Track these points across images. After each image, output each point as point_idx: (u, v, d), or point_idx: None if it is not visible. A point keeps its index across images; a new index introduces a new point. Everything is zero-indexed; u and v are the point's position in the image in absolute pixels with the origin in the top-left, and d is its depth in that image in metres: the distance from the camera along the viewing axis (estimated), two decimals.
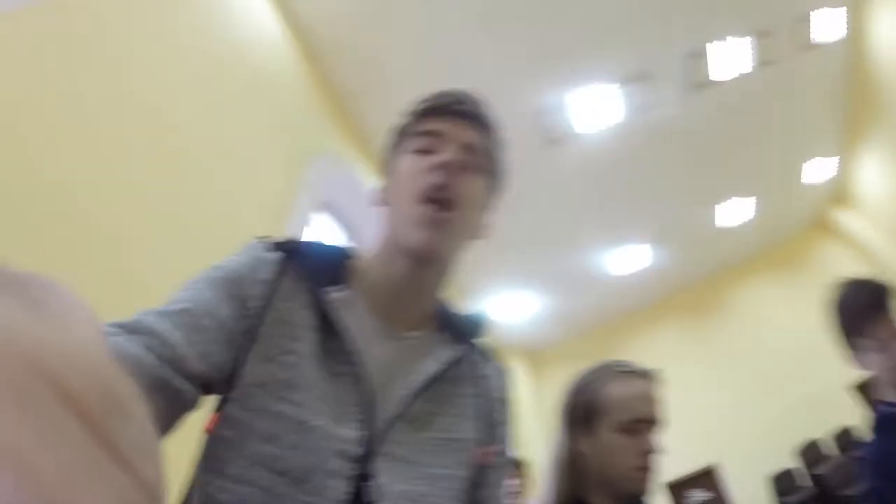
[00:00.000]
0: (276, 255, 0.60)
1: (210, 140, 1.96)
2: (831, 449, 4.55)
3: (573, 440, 0.95)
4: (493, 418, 0.65)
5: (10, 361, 0.12)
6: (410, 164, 0.63)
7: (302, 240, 0.65)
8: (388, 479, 0.52)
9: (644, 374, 0.96)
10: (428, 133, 0.64)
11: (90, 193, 1.34)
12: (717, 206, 5.22)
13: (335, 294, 0.58)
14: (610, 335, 6.06)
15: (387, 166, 0.69)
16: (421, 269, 0.62)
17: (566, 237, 4.83)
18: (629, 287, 5.73)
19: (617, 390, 0.93)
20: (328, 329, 0.56)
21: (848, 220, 5.59)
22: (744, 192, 5.18)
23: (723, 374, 5.52)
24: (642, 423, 0.91)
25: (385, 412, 0.55)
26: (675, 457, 4.84)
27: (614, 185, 4.48)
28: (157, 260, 1.48)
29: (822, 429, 4.47)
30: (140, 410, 0.15)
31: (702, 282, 6.02)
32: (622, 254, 5.29)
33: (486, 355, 0.69)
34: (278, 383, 0.52)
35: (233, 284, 0.55)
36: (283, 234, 2.08)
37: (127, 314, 0.49)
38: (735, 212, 5.35)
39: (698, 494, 4.86)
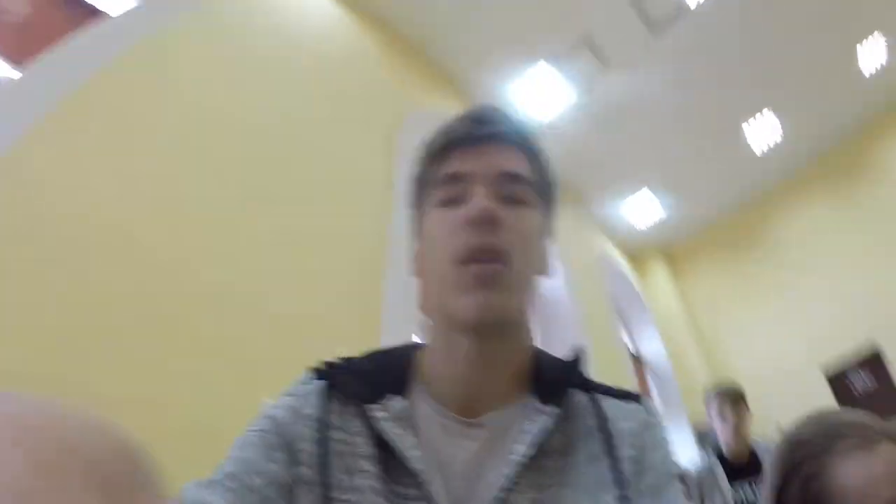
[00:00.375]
0: (319, 385, 0.52)
1: (304, 132, 2.29)
2: None
3: None
4: (638, 473, 0.49)
5: (36, 434, 0.13)
6: (439, 222, 0.52)
7: (353, 356, 0.56)
8: None
9: (888, 436, 0.67)
10: (452, 178, 0.53)
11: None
12: (858, 47, 4.46)
13: (393, 405, 0.49)
14: (749, 218, 5.61)
15: (413, 227, 0.58)
16: (485, 342, 0.50)
17: (688, 122, 4.57)
18: (764, 162, 5.22)
19: (857, 475, 0.65)
20: (388, 451, 0.47)
21: None
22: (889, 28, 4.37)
23: (882, 240, 4.85)
24: None
25: None
26: (833, 340, 4.54)
27: (732, 57, 4.14)
28: (278, 250, 1.87)
29: None
30: (156, 479, 0.17)
31: (847, 141, 5.24)
32: (752, 128, 4.83)
33: (611, 397, 0.55)
34: None
35: (277, 434, 0.48)
36: (390, 206, 2.38)
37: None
38: (879, 48, 4.51)
39: (862, 381, 4.47)
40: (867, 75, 4.70)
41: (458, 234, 0.49)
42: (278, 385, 0.56)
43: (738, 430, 2.01)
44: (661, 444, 0.51)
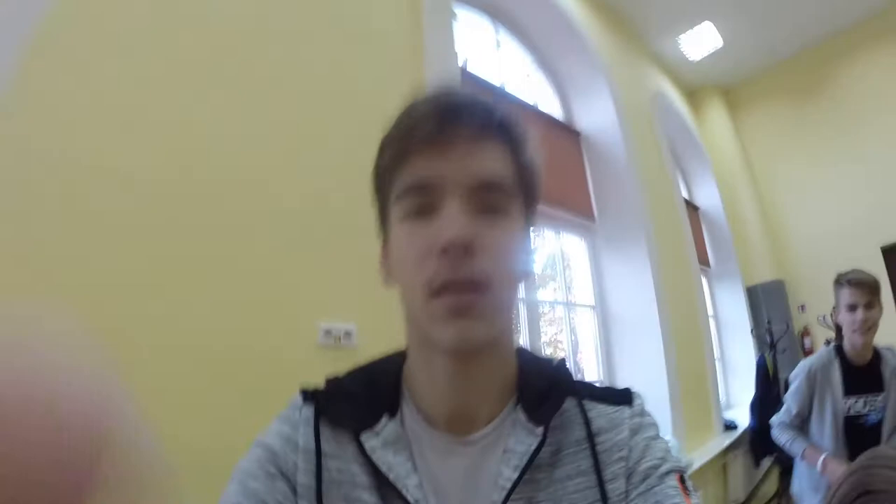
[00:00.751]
0: (309, 413, 0.50)
1: None
2: None
3: None
4: (628, 478, 0.48)
5: None
6: (407, 241, 0.46)
7: (341, 376, 0.54)
8: None
9: None
10: (418, 187, 0.45)
11: None
12: None
13: (386, 430, 0.49)
14: (816, 61, 4.75)
15: (378, 225, 0.52)
16: (463, 364, 0.48)
17: None
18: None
19: None
20: (384, 478, 0.47)
21: None
22: None
23: None
24: None
25: None
26: (894, 210, 4.06)
27: None
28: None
29: None
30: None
31: None
32: None
33: (599, 402, 0.53)
34: None
35: (274, 464, 0.48)
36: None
37: None
38: None
39: None
40: None
41: (428, 262, 0.44)
42: None
43: (865, 328, 1.76)
44: (651, 446, 0.50)
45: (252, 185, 1.32)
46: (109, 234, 1.05)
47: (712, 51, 4.67)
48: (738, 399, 4.21)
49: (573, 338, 2.84)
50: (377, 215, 0.52)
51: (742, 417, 3.70)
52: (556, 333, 2.82)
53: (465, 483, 0.48)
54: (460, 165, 0.45)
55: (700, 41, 4.54)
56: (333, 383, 0.54)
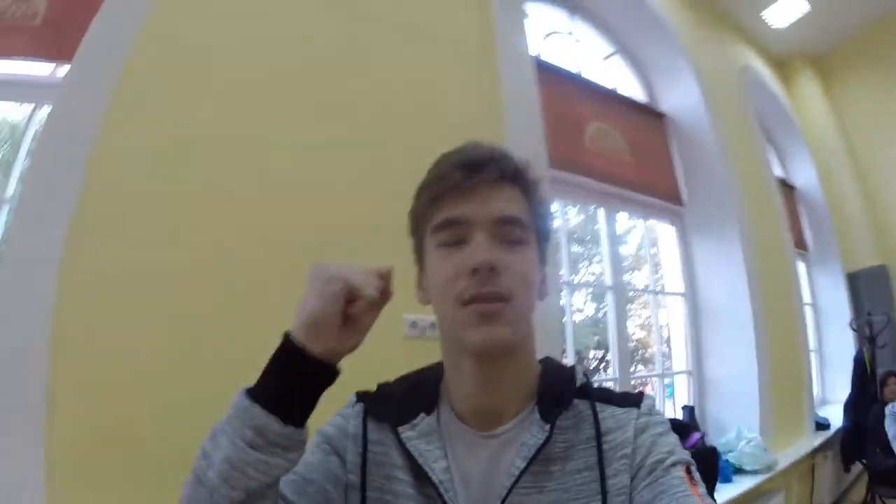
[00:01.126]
0: (359, 408, 0.62)
1: None
2: None
3: None
4: (633, 473, 0.54)
5: None
6: (441, 265, 0.56)
7: (388, 382, 0.66)
8: None
9: None
10: (450, 224, 0.56)
11: None
12: None
13: (421, 423, 0.58)
14: None
15: (415, 254, 0.63)
16: (488, 366, 0.57)
17: None
18: None
19: None
20: (414, 462, 0.56)
21: None
22: None
23: None
24: None
25: None
26: None
27: None
28: None
29: None
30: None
31: None
32: None
33: (609, 405, 0.59)
34: None
35: (330, 445, 0.60)
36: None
37: None
38: None
39: None
40: None
41: (460, 281, 0.54)
42: None
43: None
44: (658, 441, 0.55)
45: (343, 193, 1.45)
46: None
47: (800, 16, 4.34)
48: (833, 396, 3.95)
49: (660, 325, 2.77)
50: (414, 248, 0.62)
51: (836, 416, 3.47)
52: (648, 317, 2.77)
53: (487, 470, 0.56)
54: (483, 206, 0.56)
55: (786, 7, 4.23)
56: (381, 387, 0.65)
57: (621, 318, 2.47)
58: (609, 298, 2.52)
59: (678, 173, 3.04)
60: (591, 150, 2.56)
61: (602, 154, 2.61)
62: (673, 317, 2.87)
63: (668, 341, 2.88)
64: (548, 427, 0.55)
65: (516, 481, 0.53)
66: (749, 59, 4.22)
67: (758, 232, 3.03)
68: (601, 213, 2.64)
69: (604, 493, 0.53)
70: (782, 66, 4.85)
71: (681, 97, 3.13)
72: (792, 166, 4.50)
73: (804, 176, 4.44)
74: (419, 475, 0.56)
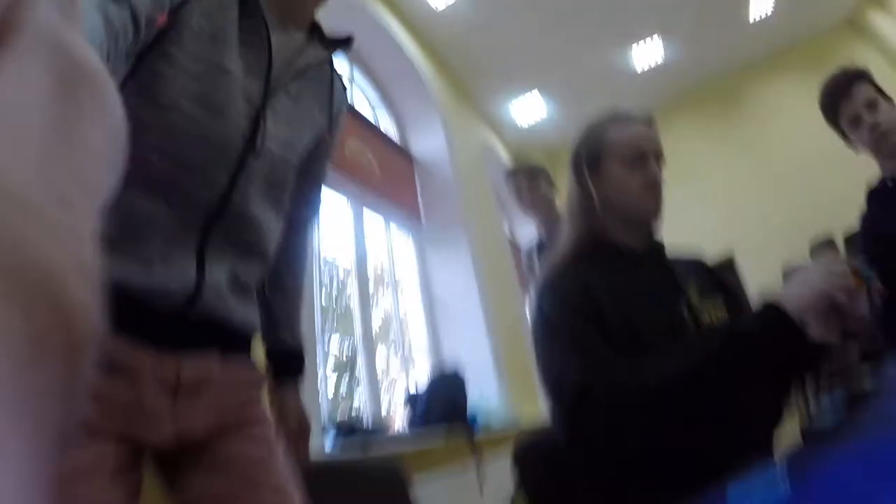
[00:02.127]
0: None
1: None
2: (843, 250, 4.32)
3: (584, 184, 1.02)
4: (336, 115, 0.87)
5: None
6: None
7: None
8: (272, 125, 0.72)
9: (642, 118, 1.05)
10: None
11: None
12: None
13: None
14: None
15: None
16: None
17: (575, 34, 4.73)
18: (644, 83, 5.59)
19: (618, 131, 1.01)
20: (246, 4, 0.71)
21: (882, 23, 5.05)
22: None
23: (741, 168, 5.55)
24: (645, 157, 0.99)
25: (275, 81, 0.73)
26: (692, 245, 5.07)
27: None
28: None
29: (838, 229, 4.19)
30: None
31: (723, 77, 5.83)
32: (636, 49, 5.12)
33: (339, 70, 0.88)
34: (206, 34, 0.66)
35: None
36: None
37: None
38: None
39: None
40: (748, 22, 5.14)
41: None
42: None
43: None
44: (346, 104, 0.91)
45: None
46: None
47: (540, 118, 5.60)
48: None
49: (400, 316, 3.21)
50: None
51: None
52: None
53: (283, 49, 0.75)
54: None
55: (529, 108, 5.45)
56: None
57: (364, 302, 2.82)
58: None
59: (419, 200, 3.73)
60: (349, 159, 3.04)
61: (358, 165, 3.10)
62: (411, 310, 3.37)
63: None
64: (327, 54, 0.83)
65: (304, 69, 0.78)
66: (493, 141, 5.34)
67: (483, 247, 3.78)
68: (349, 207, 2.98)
69: (333, 115, 0.85)
70: (519, 154, 5.94)
71: (430, 147, 3.89)
72: (522, 231, 5.42)
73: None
74: (245, 13, 0.70)
